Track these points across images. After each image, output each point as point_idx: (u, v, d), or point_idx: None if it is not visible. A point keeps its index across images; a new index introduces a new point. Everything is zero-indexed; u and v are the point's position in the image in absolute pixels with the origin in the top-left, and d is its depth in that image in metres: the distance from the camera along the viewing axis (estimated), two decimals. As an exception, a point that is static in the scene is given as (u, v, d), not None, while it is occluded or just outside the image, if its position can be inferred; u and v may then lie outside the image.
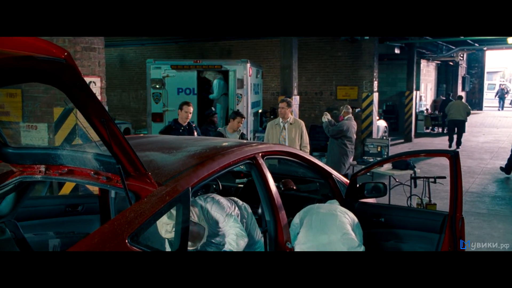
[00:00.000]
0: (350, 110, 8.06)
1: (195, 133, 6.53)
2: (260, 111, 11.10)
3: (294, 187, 4.07)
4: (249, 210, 3.35)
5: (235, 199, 3.39)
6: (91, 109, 2.02)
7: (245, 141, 3.85)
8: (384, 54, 15.59)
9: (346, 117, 7.90)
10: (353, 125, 7.86)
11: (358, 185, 3.83)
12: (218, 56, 14.10)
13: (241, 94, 9.17)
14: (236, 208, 3.24)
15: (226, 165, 2.67)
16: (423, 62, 20.59)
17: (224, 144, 3.13)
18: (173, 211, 2.87)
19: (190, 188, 2.31)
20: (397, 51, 14.85)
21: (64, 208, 3.58)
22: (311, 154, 8.98)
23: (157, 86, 9.20)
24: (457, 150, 3.38)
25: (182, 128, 6.34)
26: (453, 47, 17.70)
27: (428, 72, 22.35)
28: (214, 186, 3.97)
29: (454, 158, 3.29)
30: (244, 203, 3.39)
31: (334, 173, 3.85)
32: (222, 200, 3.17)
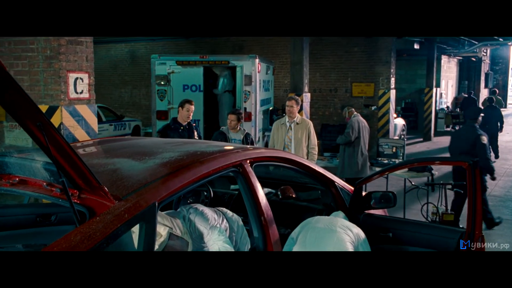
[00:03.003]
0: (353, 109, 7.58)
1: (195, 133, 6.17)
2: (270, 108, 10.69)
3: (294, 195, 3.69)
4: (240, 223, 3.03)
5: (224, 209, 3.07)
6: (22, 111, 1.69)
7: (236, 145, 3.50)
8: (402, 50, 15.10)
9: (352, 116, 7.42)
10: (361, 121, 7.35)
11: (364, 194, 3.46)
12: (230, 51, 13.72)
13: (249, 91, 8.77)
14: (224, 220, 2.93)
15: (204, 175, 2.33)
16: (444, 58, 19.97)
17: (208, 149, 2.78)
18: (162, 227, 2.54)
19: (157, 203, 1.98)
20: (416, 46, 14.29)
21: (34, 218, 3.26)
22: (321, 155, 8.57)
23: (162, 83, 8.87)
24: (476, 158, 2.96)
25: (182, 128, 5.99)
26: (476, 42, 17.02)
27: (449, 68, 21.69)
28: (205, 193, 3.66)
29: (472, 167, 2.92)
30: (234, 214, 3.07)
31: (337, 180, 3.48)
32: (207, 211, 2.87)
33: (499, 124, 12.08)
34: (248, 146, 3.38)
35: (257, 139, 8.99)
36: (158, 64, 8.89)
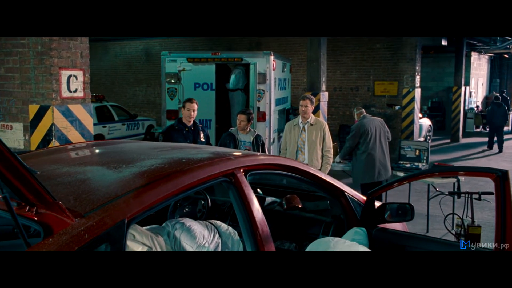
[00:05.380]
0: (362, 109, 7.03)
1: (202, 135, 5.82)
2: (287, 108, 10.25)
3: (300, 206, 3.35)
4: (236, 237, 2.76)
5: (218, 223, 2.78)
6: None
7: (232, 151, 3.15)
8: (429, 46, 14.49)
9: (361, 117, 6.88)
10: (369, 122, 6.79)
11: (378, 205, 3.12)
12: (247, 48, 13.36)
13: (263, 90, 8.35)
14: (216, 235, 2.65)
15: (187, 186, 2.05)
16: (474, 55, 19.18)
17: (196, 156, 2.48)
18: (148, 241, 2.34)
19: (126, 220, 1.73)
20: (444, 42, 13.63)
21: (11, 229, 2.99)
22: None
23: (172, 81, 8.53)
24: (506, 169, 2.53)
25: (187, 128, 5.68)
26: (509, 38, 16.18)
27: (479, 66, 20.82)
28: (203, 203, 3.33)
29: (501, 179, 2.50)
30: (230, 227, 2.80)
31: (347, 189, 3.13)
32: (196, 226, 2.58)
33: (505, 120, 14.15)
34: (244, 152, 3.03)
35: (271, 140, 8.59)
36: (168, 61, 8.56)
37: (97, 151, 2.88)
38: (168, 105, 8.60)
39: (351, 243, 2.65)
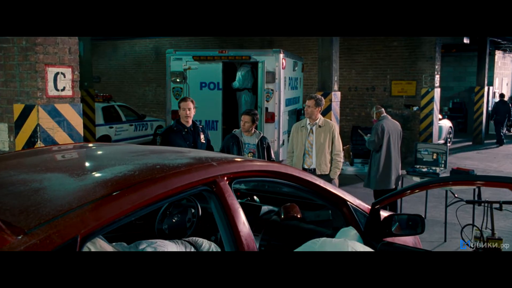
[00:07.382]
0: (382, 109, 6.63)
1: (202, 136, 5.50)
2: (299, 108, 9.88)
3: (299, 215, 3.08)
4: None
5: (199, 242, 2.60)
6: None
7: (217, 155, 2.83)
8: (451, 45, 13.96)
9: (380, 117, 6.47)
10: (388, 124, 6.39)
11: (384, 216, 2.85)
12: (259, 47, 13.03)
13: (272, 89, 8.00)
14: None
15: (158, 197, 1.83)
16: (498, 53, 18.52)
17: (175, 161, 2.26)
18: None
19: (79, 238, 1.53)
20: (466, 40, 13.08)
21: None
22: (352, 162, 7.71)
23: (178, 80, 8.28)
24: None
25: (186, 130, 5.37)
26: (535, 36, 15.54)
27: (504, 65, 20.11)
28: (193, 211, 3.06)
29: None
30: (212, 244, 2.61)
31: (350, 198, 2.88)
32: (170, 248, 2.39)
33: (507, 116, 15.15)
34: (231, 158, 2.73)
35: (280, 142, 8.24)
36: (173, 59, 8.33)
37: (67, 155, 2.67)
38: (173, 105, 8.35)
39: (337, 241, 2.32)
